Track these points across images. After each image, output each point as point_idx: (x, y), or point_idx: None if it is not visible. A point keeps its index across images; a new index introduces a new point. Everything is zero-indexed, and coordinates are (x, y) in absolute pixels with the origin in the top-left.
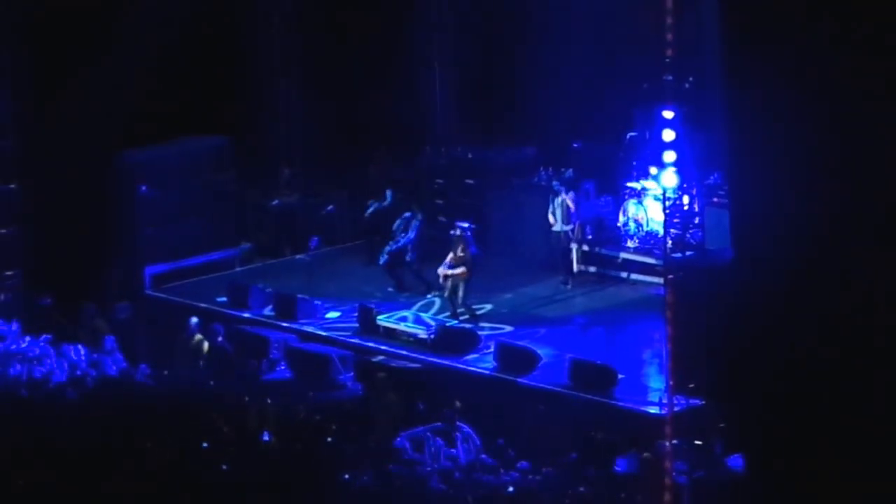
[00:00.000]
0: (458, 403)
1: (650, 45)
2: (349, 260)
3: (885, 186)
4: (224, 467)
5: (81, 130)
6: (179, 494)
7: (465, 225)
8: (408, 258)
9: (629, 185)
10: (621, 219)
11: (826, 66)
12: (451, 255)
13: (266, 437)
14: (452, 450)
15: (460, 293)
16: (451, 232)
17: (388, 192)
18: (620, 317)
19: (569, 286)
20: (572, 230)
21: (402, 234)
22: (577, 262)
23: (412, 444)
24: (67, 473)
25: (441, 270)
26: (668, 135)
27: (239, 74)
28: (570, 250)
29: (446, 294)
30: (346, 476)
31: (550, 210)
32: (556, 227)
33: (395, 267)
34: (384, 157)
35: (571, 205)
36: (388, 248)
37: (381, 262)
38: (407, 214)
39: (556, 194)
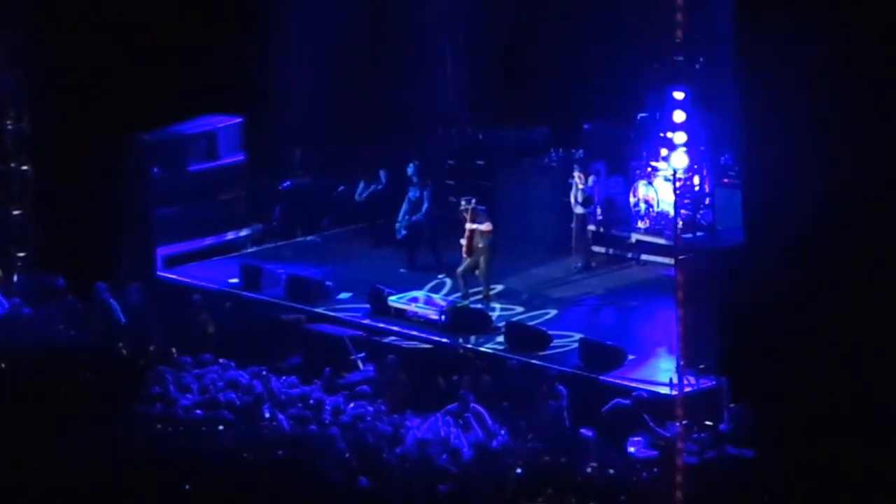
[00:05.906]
0: (470, 384)
1: (661, 26)
2: (360, 241)
3: None
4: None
5: (94, 111)
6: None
7: (473, 201)
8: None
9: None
10: (632, 200)
11: (839, 45)
12: (468, 224)
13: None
14: (465, 431)
15: (482, 268)
16: (462, 204)
17: (383, 174)
18: (631, 297)
19: (576, 267)
20: (590, 211)
21: (420, 206)
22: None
23: (424, 424)
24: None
25: (468, 226)
26: (679, 115)
27: (251, 55)
28: (584, 232)
29: (461, 270)
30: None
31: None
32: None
33: (413, 241)
34: (388, 139)
35: (580, 184)
36: (407, 222)
37: (400, 235)
38: (414, 192)
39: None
